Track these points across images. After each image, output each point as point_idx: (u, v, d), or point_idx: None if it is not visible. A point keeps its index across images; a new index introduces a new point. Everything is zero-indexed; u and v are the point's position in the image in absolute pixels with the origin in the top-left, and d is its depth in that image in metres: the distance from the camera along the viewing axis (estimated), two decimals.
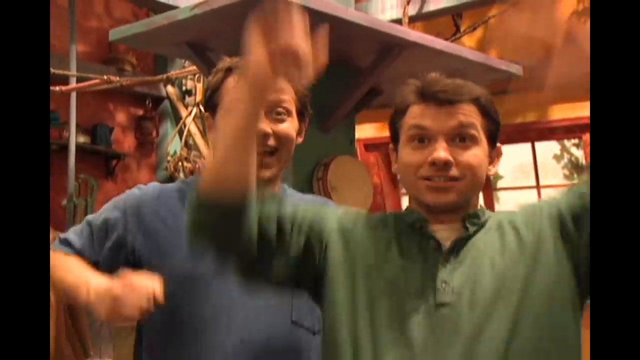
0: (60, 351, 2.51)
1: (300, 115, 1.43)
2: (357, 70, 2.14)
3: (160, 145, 4.82)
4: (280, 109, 1.38)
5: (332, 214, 1.24)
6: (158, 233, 1.38)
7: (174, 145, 4.44)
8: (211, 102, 1.44)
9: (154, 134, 4.80)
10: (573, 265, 1.14)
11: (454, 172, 1.16)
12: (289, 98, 1.40)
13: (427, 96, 1.18)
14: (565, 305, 1.13)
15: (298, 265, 1.18)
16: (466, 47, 2.87)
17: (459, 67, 2.19)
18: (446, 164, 1.15)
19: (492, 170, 1.23)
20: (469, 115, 1.18)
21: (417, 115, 1.19)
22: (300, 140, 1.44)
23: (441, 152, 1.15)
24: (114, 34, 2.12)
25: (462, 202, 1.18)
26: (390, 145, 1.27)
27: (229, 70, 1.41)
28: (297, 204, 1.23)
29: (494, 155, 1.23)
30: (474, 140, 1.18)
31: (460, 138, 1.17)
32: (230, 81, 1.41)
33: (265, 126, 1.35)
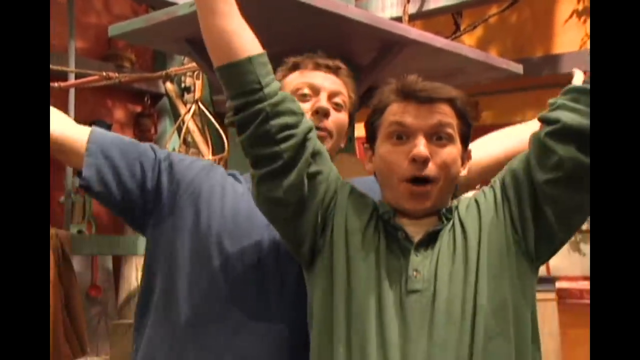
0: (58, 348, 2.51)
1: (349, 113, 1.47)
2: (357, 68, 2.13)
3: (158, 142, 4.82)
4: (339, 101, 1.43)
5: (344, 184, 1.28)
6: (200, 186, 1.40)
7: (172, 142, 4.43)
8: None
9: (153, 131, 4.79)
10: (515, 230, 1.18)
11: (431, 168, 1.19)
12: (344, 92, 1.45)
13: (408, 94, 1.22)
14: (517, 278, 1.17)
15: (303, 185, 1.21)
16: (466, 45, 2.87)
17: (459, 65, 2.19)
18: (426, 161, 1.18)
19: (462, 172, 1.26)
20: (447, 114, 1.22)
21: (397, 112, 1.22)
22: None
23: (421, 147, 1.18)
24: (113, 29, 2.11)
25: (439, 205, 1.22)
26: (365, 145, 1.30)
27: (295, 66, 1.45)
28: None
29: (465, 157, 1.27)
30: (451, 139, 1.22)
31: (437, 137, 1.21)
32: (293, 76, 1.44)
33: (330, 110, 1.40)
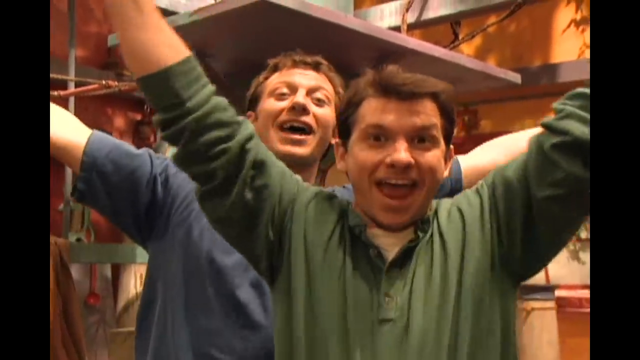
0: (56, 357, 2.50)
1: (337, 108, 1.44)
2: (355, 77, 2.14)
3: (158, 150, 4.80)
4: (321, 96, 1.41)
5: (306, 189, 1.16)
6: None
7: (171, 150, 4.43)
8: (253, 98, 1.46)
9: (152, 138, 4.79)
10: (500, 247, 1.07)
11: (413, 174, 1.07)
12: (327, 87, 1.43)
13: (387, 89, 1.08)
14: (498, 296, 1.07)
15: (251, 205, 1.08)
16: (464, 54, 2.88)
17: (457, 75, 2.20)
18: (407, 167, 1.06)
19: (444, 174, 1.14)
20: (431, 114, 1.08)
21: (375, 110, 1.08)
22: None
23: (402, 153, 1.05)
24: (113, 38, 2.12)
25: (418, 216, 1.10)
26: (336, 140, 1.19)
27: (274, 68, 1.44)
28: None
29: (447, 156, 1.14)
30: (434, 142, 1.09)
31: (420, 138, 1.08)
32: (273, 77, 1.43)
33: (308, 105, 1.38)
